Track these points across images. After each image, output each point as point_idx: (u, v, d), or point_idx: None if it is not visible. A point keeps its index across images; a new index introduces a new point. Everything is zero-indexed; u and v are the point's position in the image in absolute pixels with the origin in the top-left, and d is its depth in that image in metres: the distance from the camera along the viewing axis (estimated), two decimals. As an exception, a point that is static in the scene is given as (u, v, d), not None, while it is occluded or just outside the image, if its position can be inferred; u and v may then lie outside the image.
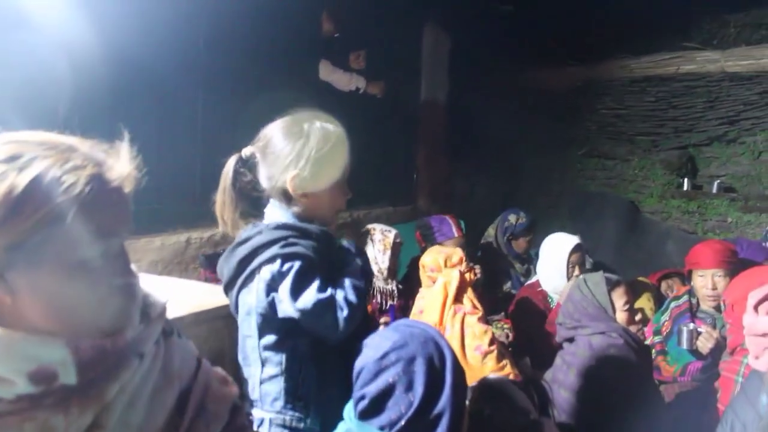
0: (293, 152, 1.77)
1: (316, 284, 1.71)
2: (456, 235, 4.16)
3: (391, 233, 3.56)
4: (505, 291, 4.43)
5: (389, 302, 3.46)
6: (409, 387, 1.51)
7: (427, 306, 3.10)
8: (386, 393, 1.52)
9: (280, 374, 1.76)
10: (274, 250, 1.72)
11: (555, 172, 6.30)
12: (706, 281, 3.41)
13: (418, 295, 3.30)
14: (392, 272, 3.52)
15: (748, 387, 2.08)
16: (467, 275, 3.15)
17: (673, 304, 3.62)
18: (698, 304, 3.48)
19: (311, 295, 1.69)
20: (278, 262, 1.71)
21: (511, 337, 3.78)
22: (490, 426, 1.84)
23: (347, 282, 1.79)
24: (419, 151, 6.18)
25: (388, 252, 3.48)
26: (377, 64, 5.17)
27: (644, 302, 4.26)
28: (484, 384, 2.00)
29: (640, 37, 6.14)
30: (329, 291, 1.72)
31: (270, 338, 1.77)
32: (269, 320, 1.75)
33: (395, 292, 3.50)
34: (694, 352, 3.27)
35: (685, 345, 3.27)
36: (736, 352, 2.99)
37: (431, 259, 3.20)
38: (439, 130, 6.25)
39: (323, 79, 4.88)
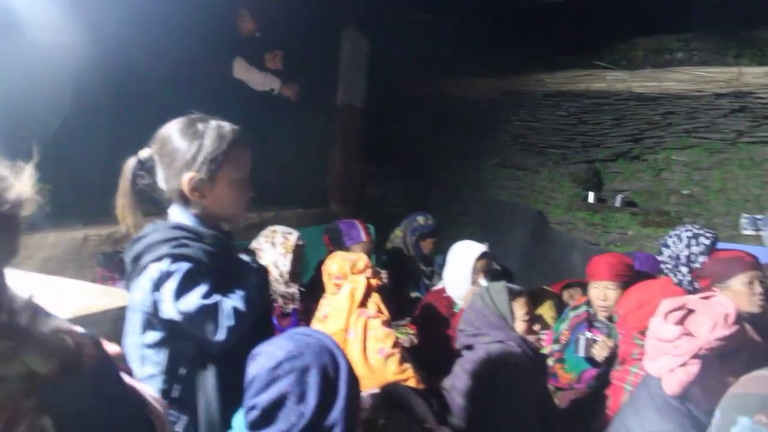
0: (188, 153, 1.73)
1: (202, 289, 1.67)
2: (364, 239, 4.17)
3: (293, 235, 3.51)
4: (411, 296, 4.48)
5: (291, 306, 3.42)
6: (302, 398, 1.50)
7: (333, 312, 3.10)
8: (278, 404, 1.49)
9: (158, 374, 1.71)
10: (165, 249, 1.68)
11: (467, 181, 6.41)
12: (599, 292, 3.54)
13: (324, 301, 3.29)
14: (294, 275, 3.47)
15: (635, 397, 2.16)
16: (373, 281, 3.16)
17: (572, 314, 3.73)
18: (596, 314, 3.61)
19: (194, 299, 1.65)
20: (166, 261, 1.67)
21: (416, 342, 3.82)
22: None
23: (239, 292, 1.75)
24: (333, 154, 6.16)
25: (290, 255, 3.43)
26: (294, 65, 5.13)
27: (546, 310, 4.39)
28: (383, 392, 2.01)
29: (555, 53, 6.34)
30: (215, 298, 1.68)
31: (152, 337, 1.73)
32: (152, 319, 1.71)
33: (297, 295, 3.45)
34: (590, 360, 3.39)
35: (581, 353, 3.38)
36: (626, 362, 3.11)
37: (337, 266, 3.19)
38: (354, 135, 6.25)
39: (237, 77, 4.80)
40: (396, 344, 3.01)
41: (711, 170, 5.72)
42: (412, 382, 2.83)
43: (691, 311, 1.88)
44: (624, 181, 6.08)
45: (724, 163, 5.69)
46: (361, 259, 3.23)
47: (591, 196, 5.92)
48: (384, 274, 3.62)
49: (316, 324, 3.22)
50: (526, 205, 6.13)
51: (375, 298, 3.13)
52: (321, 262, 3.87)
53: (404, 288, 4.48)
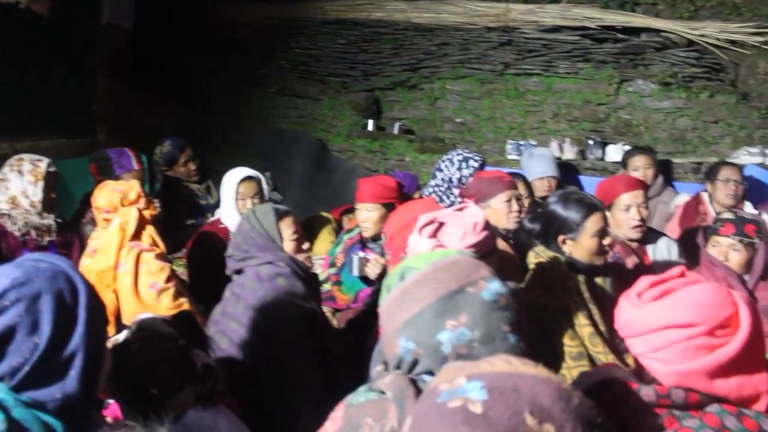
0: None
1: None
2: (136, 167, 3.94)
3: (43, 162, 3.21)
4: (189, 226, 4.29)
5: (47, 238, 3.12)
6: (34, 328, 1.31)
7: (102, 247, 2.90)
8: (5, 337, 1.30)
9: None
10: None
11: (247, 109, 6.20)
12: (361, 214, 3.59)
13: (94, 234, 3.07)
14: (48, 206, 3.18)
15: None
16: (146, 212, 2.98)
17: (345, 237, 3.78)
18: (370, 235, 3.67)
19: None
20: None
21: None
22: (136, 358, 1.74)
23: None
24: (99, 79, 5.64)
25: (41, 183, 3.14)
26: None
27: (326, 236, 4.41)
28: (136, 322, 1.91)
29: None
30: None
31: None
32: None
33: (54, 227, 3.17)
34: (365, 279, 3.45)
35: (355, 272, 3.43)
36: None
37: (105, 200, 2.96)
38: (122, 59, 5.76)
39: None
40: (171, 278, 2.91)
41: (481, 99, 6.03)
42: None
43: (442, 224, 1.92)
44: (402, 109, 6.22)
45: (492, 93, 6.01)
46: (133, 189, 3.02)
47: (370, 124, 6.00)
48: (157, 203, 3.40)
49: (85, 260, 3.00)
50: (307, 133, 6.07)
51: (149, 230, 2.98)
52: (87, 194, 3.58)
53: (182, 218, 4.28)
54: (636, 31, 5.80)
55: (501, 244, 2.96)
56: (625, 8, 5.88)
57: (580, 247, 2.62)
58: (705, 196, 4.36)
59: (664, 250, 3.48)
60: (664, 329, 1.34)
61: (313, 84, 6.34)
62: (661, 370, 1.37)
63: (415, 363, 1.25)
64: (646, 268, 3.21)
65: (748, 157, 5.08)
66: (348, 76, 6.29)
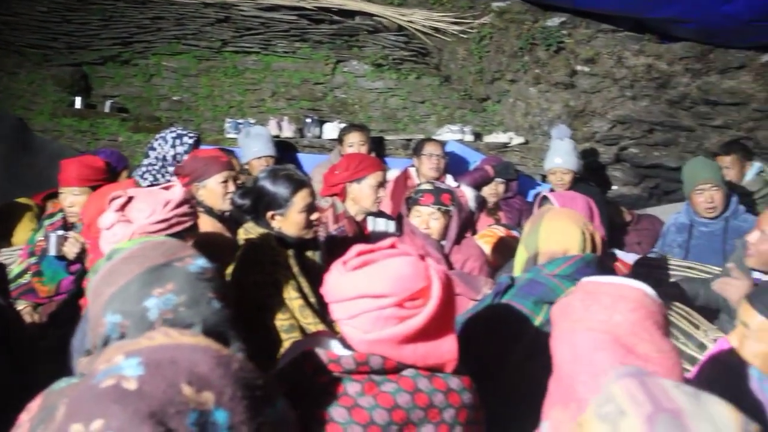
0: None
1: None
2: None
3: None
4: None
5: None
6: None
7: None
8: None
9: None
10: None
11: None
12: (66, 198, 3.38)
13: None
14: None
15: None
16: None
17: (46, 222, 3.48)
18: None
19: None
20: None
21: None
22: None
23: None
24: None
25: None
26: None
27: (26, 224, 4.02)
28: None
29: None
30: None
31: None
32: None
33: None
34: (66, 263, 3.22)
35: (52, 251, 3.20)
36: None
37: None
38: None
39: None
40: None
41: (199, 77, 5.88)
42: None
43: (131, 198, 1.84)
44: (114, 86, 5.84)
45: (210, 70, 5.89)
46: None
47: (78, 102, 5.52)
48: None
49: None
50: (3, 110, 5.43)
51: None
52: None
53: None
54: (351, 13, 6.04)
55: (212, 225, 2.93)
56: (341, -9, 6.12)
57: (288, 222, 2.67)
58: (412, 170, 4.69)
59: (382, 224, 3.71)
60: (359, 298, 1.40)
61: (8, 55, 5.69)
62: (354, 337, 1.43)
63: (121, 338, 1.20)
64: (365, 240, 3.39)
65: (450, 134, 5.56)
66: (50, 48, 5.74)
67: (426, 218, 3.17)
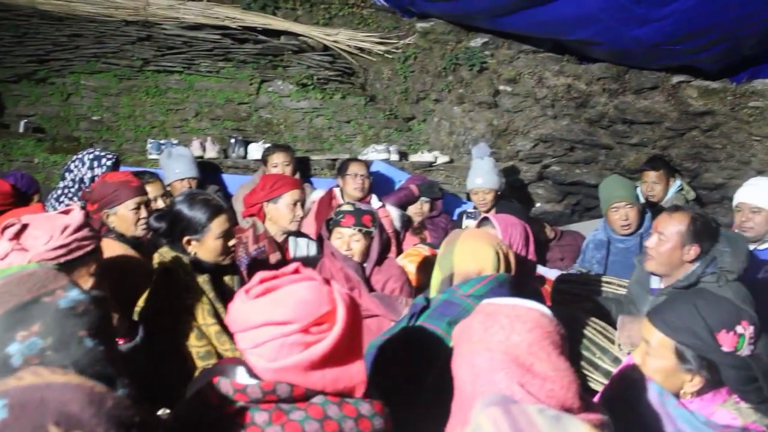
0: None
1: None
2: None
3: None
4: None
5: None
6: None
7: None
8: None
9: None
10: None
11: None
12: None
13: None
14: None
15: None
16: None
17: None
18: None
19: None
20: None
21: None
22: None
23: None
24: None
25: None
26: None
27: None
28: None
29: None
30: None
31: None
32: None
33: None
34: None
35: None
36: None
37: None
38: None
39: None
40: None
41: (120, 96, 5.72)
42: None
43: (26, 225, 1.76)
44: (29, 105, 5.61)
45: (132, 89, 5.75)
46: None
47: (-9, 122, 5.33)
48: None
49: None
50: None
51: None
52: None
53: None
54: (276, 33, 6.01)
55: (124, 251, 2.82)
56: (267, 11, 6.07)
57: (204, 247, 2.63)
58: (337, 191, 4.68)
59: (303, 246, 3.66)
60: (263, 326, 1.38)
61: None
62: (260, 366, 1.40)
63: None
64: (285, 264, 3.33)
65: (375, 154, 5.57)
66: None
67: (347, 240, 3.14)
